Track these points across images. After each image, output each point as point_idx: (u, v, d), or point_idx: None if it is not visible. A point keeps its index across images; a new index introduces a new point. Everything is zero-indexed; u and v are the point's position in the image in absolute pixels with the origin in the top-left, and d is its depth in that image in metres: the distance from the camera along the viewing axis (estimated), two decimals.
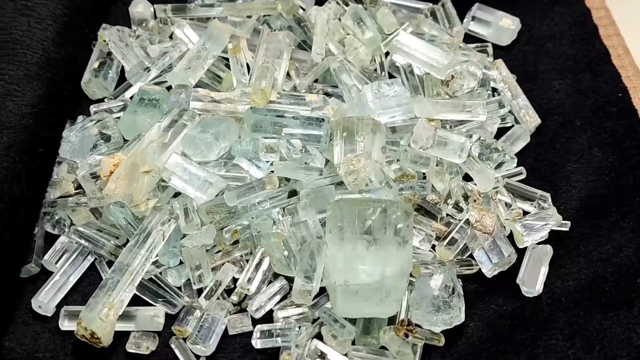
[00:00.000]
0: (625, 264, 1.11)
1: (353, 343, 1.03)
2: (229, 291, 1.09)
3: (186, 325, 1.04)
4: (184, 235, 1.10)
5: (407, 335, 1.01)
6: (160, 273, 1.09)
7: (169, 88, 1.26)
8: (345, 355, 1.02)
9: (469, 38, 1.40)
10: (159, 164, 1.11)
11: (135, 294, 1.05)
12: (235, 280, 1.09)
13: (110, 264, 1.10)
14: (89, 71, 1.30)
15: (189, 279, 1.08)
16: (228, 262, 1.09)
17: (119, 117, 1.23)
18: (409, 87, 1.27)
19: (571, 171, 1.23)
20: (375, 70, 1.32)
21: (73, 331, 1.02)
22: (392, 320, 1.04)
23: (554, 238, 1.14)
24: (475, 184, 1.16)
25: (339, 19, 1.36)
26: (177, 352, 1.04)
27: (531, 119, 1.27)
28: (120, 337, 1.05)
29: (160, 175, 1.12)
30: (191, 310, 1.05)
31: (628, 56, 1.34)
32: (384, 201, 1.04)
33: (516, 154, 1.23)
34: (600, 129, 1.26)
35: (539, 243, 1.13)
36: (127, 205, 1.09)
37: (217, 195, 1.11)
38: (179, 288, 1.09)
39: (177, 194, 1.13)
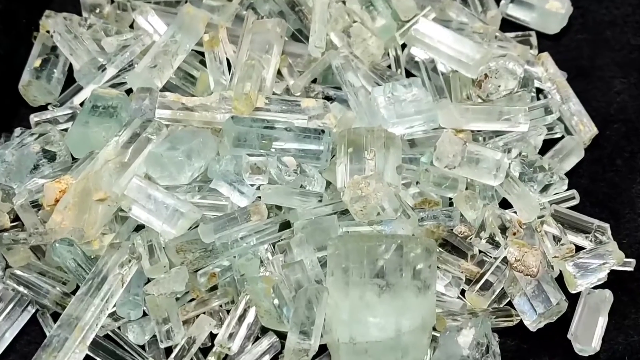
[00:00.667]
0: None
1: None
2: (205, 350, 1.09)
3: None
4: (149, 280, 1.11)
5: None
6: (119, 328, 1.11)
7: (129, 92, 1.28)
8: None
9: (507, 25, 1.42)
10: (116, 189, 1.12)
11: (87, 355, 1.06)
12: (213, 336, 1.09)
13: (56, 316, 1.11)
14: (28, 71, 1.31)
15: (154, 336, 1.09)
16: (204, 313, 1.10)
17: (66, 130, 1.25)
18: (432, 88, 1.29)
19: (636, 195, 1.24)
20: (389, 67, 1.34)
21: None
22: None
23: (614, 281, 1.15)
24: (515, 212, 1.18)
25: (344, 2, 1.38)
26: None
27: (586, 129, 1.29)
28: None
29: (118, 204, 1.13)
30: None
31: None
32: (400, 236, 1.06)
33: (567, 174, 1.24)
34: None
35: (595, 287, 1.14)
36: (76, 243, 1.10)
37: (189, 228, 1.13)
38: (142, 347, 1.10)
39: (139, 228, 1.15)
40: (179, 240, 1.11)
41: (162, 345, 1.08)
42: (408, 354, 1.02)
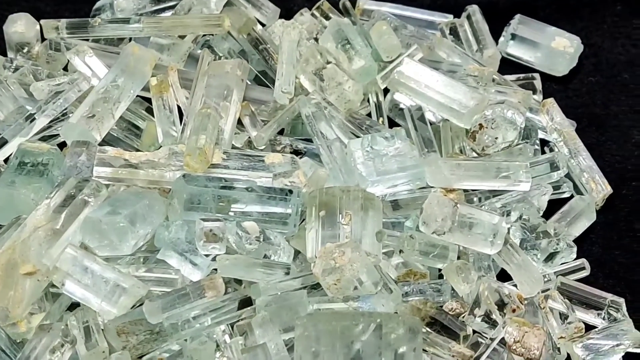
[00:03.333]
0: None
1: None
2: None
3: None
4: None
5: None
6: None
7: (62, 146, 1.32)
8: None
9: (508, 66, 1.49)
10: (47, 261, 1.16)
11: None
12: None
13: None
14: None
15: None
16: None
17: None
18: (418, 141, 1.34)
19: None
20: (369, 116, 1.40)
21: None
22: None
23: None
24: (515, 286, 1.22)
25: (316, 40, 1.44)
26: None
27: (598, 187, 1.34)
28: None
29: (49, 279, 1.16)
30: None
31: None
32: (379, 314, 1.10)
33: (576, 240, 1.30)
34: None
35: None
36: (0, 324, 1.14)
37: (133, 307, 1.16)
38: None
39: (74, 306, 1.19)
40: (121, 320, 1.14)
41: None
42: None
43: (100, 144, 1.29)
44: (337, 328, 1.08)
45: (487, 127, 1.32)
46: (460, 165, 1.28)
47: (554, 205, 1.33)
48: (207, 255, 1.20)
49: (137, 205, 1.20)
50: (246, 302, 1.17)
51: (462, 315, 1.20)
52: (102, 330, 1.14)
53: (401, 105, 1.39)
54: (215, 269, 1.20)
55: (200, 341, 1.14)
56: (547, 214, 1.32)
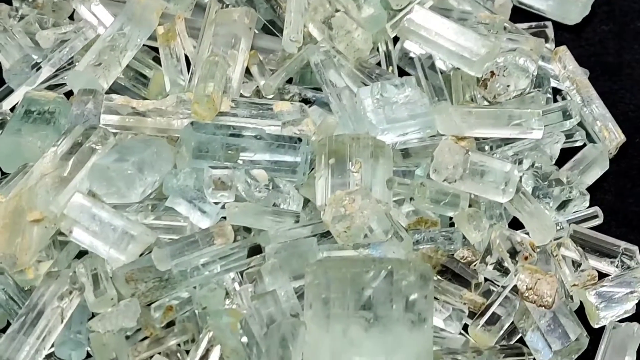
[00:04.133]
0: None
1: None
2: None
3: None
4: (93, 315, 1.15)
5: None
6: None
7: (68, 95, 1.32)
8: None
9: (519, 14, 1.48)
10: (54, 208, 1.16)
11: None
12: None
13: None
14: None
15: None
16: (159, 354, 1.13)
17: None
18: (428, 89, 1.34)
19: None
20: (378, 64, 1.39)
21: None
22: None
23: None
24: (527, 234, 1.23)
25: None
26: None
27: (611, 136, 1.34)
28: None
29: (56, 226, 1.17)
30: None
31: None
32: (390, 260, 1.10)
33: (589, 188, 1.29)
34: None
35: (621, 320, 1.19)
36: (7, 271, 1.14)
37: (142, 254, 1.17)
38: None
39: (82, 254, 1.19)
40: (129, 268, 1.14)
41: None
42: None
43: (107, 93, 1.28)
44: (347, 275, 1.08)
45: (498, 75, 1.31)
46: (471, 113, 1.27)
47: (566, 154, 1.33)
48: (215, 203, 1.19)
49: (144, 152, 1.20)
50: (255, 250, 1.17)
51: (474, 263, 1.20)
52: (111, 277, 1.14)
53: (411, 54, 1.39)
54: (224, 217, 1.19)
55: (209, 288, 1.14)
56: (560, 163, 1.31)
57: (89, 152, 1.20)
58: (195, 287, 1.15)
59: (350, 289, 1.07)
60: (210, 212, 1.19)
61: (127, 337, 1.15)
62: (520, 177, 1.24)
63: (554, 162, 1.30)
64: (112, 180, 1.17)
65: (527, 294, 1.15)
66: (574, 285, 1.19)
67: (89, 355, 1.14)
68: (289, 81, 1.36)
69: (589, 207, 1.27)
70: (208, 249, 1.15)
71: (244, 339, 1.09)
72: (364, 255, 1.14)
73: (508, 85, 1.31)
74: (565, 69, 1.38)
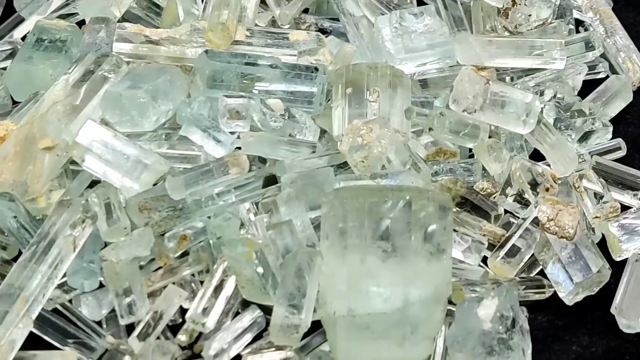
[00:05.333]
0: None
1: None
2: (174, 328, 1.12)
3: None
4: (106, 244, 1.14)
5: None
6: (71, 301, 1.14)
7: (80, 24, 1.31)
8: None
9: None
10: (66, 136, 1.16)
11: (33, 333, 1.09)
12: (184, 311, 1.12)
13: None
14: None
15: (113, 310, 1.12)
16: (173, 284, 1.13)
17: (5, 69, 1.28)
18: (448, 18, 1.32)
19: None
20: None
21: None
22: None
23: None
24: (548, 165, 1.21)
25: None
26: None
27: (635, 67, 1.33)
28: None
29: (68, 154, 1.16)
30: (117, 357, 1.09)
31: None
32: (409, 189, 1.08)
33: (612, 120, 1.28)
34: None
35: None
36: (19, 199, 1.13)
37: (155, 183, 1.16)
38: (99, 323, 1.13)
39: (94, 183, 1.18)
40: (143, 197, 1.14)
41: (123, 322, 1.10)
42: (418, 330, 1.05)
43: (119, 21, 1.27)
44: (364, 204, 1.06)
45: (520, 4, 1.30)
46: (492, 42, 1.27)
47: (589, 86, 1.32)
48: (230, 133, 1.18)
49: (158, 80, 1.19)
50: (271, 181, 1.16)
51: (493, 195, 1.19)
52: (124, 207, 1.14)
53: None
54: (239, 147, 1.18)
55: (224, 217, 1.13)
56: (582, 95, 1.30)
57: (101, 80, 1.19)
58: (209, 217, 1.15)
59: (368, 219, 1.06)
60: (225, 141, 1.18)
61: (141, 267, 1.14)
62: (542, 108, 1.22)
63: (576, 93, 1.29)
64: (125, 108, 1.17)
65: (548, 225, 1.13)
66: (596, 217, 1.18)
67: (101, 284, 1.14)
68: (305, 11, 1.35)
69: (611, 139, 1.26)
70: (223, 178, 1.15)
71: (259, 269, 1.09)
72: (382, 184, 1.13)
73: (529, 15, 1.30)
74: None
